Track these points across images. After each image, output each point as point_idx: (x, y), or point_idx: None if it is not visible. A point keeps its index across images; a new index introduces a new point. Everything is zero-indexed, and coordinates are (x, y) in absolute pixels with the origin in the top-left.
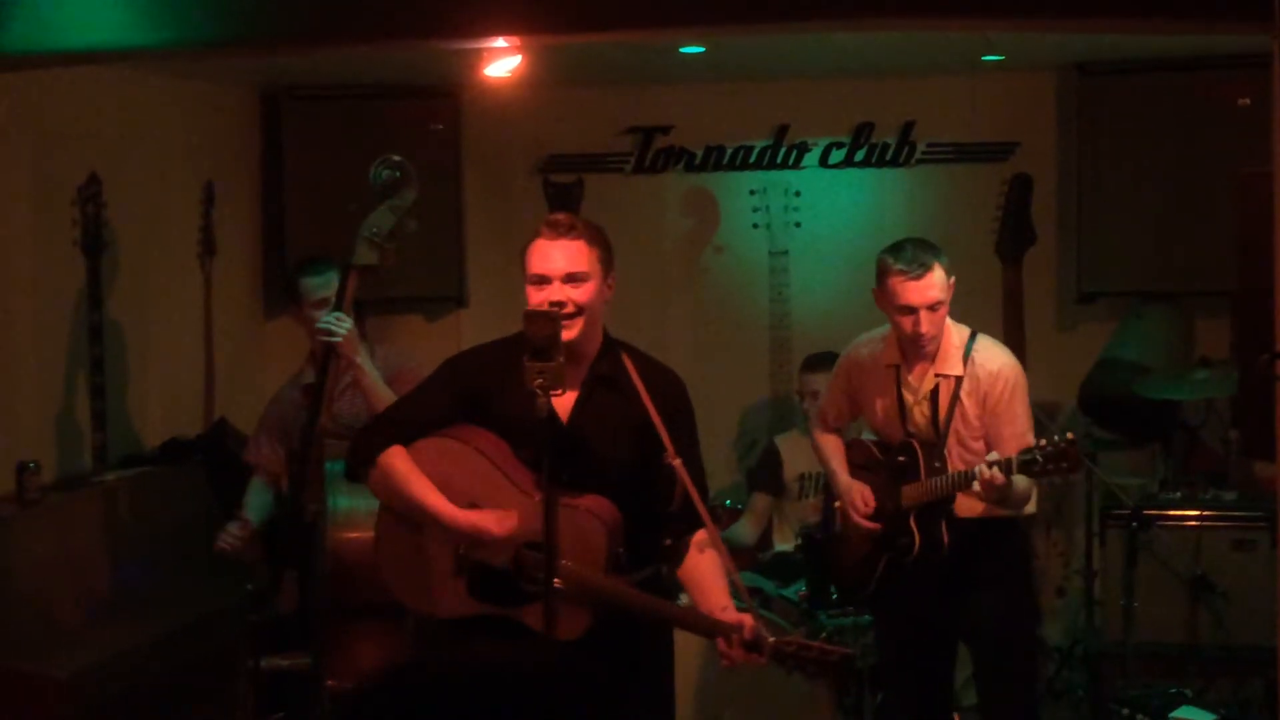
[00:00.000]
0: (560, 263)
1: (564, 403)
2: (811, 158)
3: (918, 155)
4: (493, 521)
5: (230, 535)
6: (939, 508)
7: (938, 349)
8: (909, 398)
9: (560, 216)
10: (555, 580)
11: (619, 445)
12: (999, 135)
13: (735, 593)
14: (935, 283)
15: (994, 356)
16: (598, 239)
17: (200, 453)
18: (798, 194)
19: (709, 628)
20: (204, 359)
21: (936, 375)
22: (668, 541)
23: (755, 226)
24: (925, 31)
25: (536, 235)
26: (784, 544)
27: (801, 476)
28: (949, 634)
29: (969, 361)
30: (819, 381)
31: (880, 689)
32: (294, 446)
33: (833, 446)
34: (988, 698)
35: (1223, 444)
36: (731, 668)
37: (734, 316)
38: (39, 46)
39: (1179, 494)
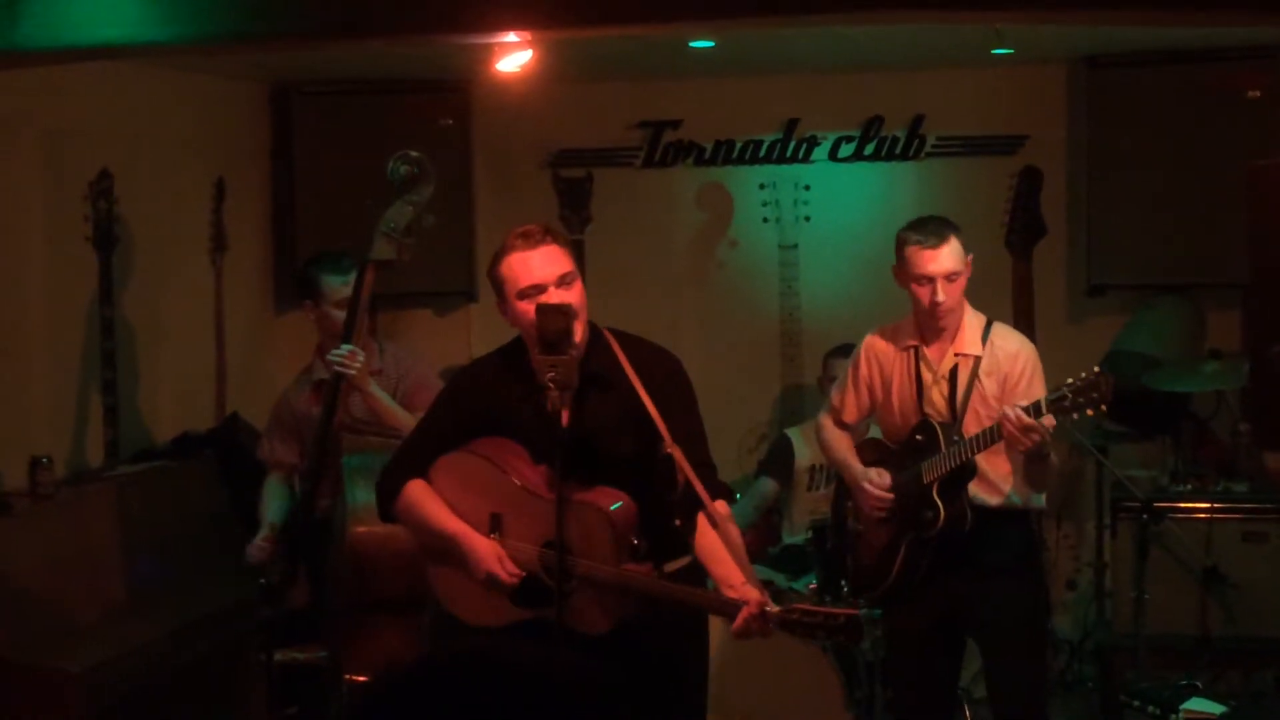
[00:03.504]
0: (550, 268)
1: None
2: (821, 151)
3: (927, 148)
4: (493, 561)
5: (258, 546)
6: (962, 479)
7: (956, 325)
8: (927, 377)
9: (530, 227)
10: (572, 578)
11: (622, 438)
12: (1008, 128)
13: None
14: (952, 253)
15: (1012, 339)
16: (567, 241)
17: (212, 447)
18: (807, 188)
19: (716, 606)
20: (215, 353)
21: (956, 355)
22: (677, 523)
23: (765, 220)
24: (935, 24)
25: (510, 250)
26: (794, 537)
27: (812, 468)
28: (958, 629)
29: (987, 343)
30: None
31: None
32: (306, 442)
33: (844, 442)
34: (997, 691)
35: (1233, 436)
36: (745, 638)
37: (743, 310)
38: (50, 43)
39: (1189, 486)
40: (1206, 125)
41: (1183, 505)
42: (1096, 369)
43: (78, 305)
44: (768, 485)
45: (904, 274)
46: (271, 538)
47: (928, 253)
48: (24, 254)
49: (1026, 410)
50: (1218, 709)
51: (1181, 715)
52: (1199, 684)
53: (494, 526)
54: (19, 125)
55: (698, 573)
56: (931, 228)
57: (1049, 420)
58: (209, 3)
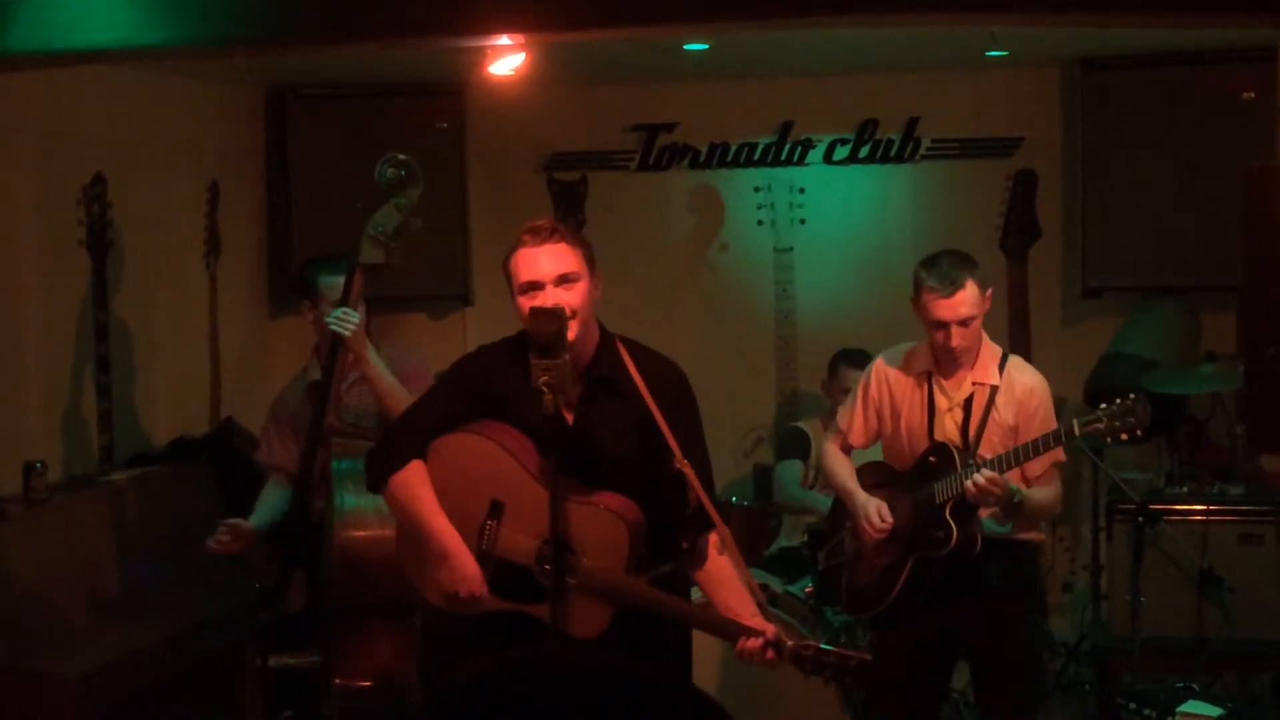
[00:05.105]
0: (549, 266)
1: (568, 405)
2: (816, 154)
3: (922, 151)
4: (475, 584)
5: (217, 539)
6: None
7: (973, 359)
8: (942, 402)
9: (540, 222)
10: (570, 578)
11: (626, 445)
12: (1004, 131)
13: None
14: (966, 299)
15: (1028, 374)
16: (579, 240)
17: (207, 451)
18: (802, 191)
19: (731, 631)
20: (210, 358)
21: (974, 383)
22: (684, 544)
23: (760, 223)
24: (931, 26)
25: (519, 245)
26: (790, 540)
27: (818, 466)
28: (953, 647)
29: (1004, 374)
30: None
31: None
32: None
33: (846, 468)
34: (988, 715)
35: (1229, 438)
36: (749, 663)
37: (739, 313)
38: (44, 46)
39: (1185, 488)
40: (1201, 127)
41: (1179, 507)
42: (1133, 395)
43: (71, 309)
44: (797, 466)
45: (920, 311)
46: (230, 535)
47: (942, 301)
48: (17, 258)
49: (1056, 434)
50: (1214, 712)
51: (1178, 718)
52: (1195, 686)
53: (494, 512)
54: (12, 129)
55: (680, 579)
56: (947, 273)
57: (1057, 454)
58: (202, 6)
